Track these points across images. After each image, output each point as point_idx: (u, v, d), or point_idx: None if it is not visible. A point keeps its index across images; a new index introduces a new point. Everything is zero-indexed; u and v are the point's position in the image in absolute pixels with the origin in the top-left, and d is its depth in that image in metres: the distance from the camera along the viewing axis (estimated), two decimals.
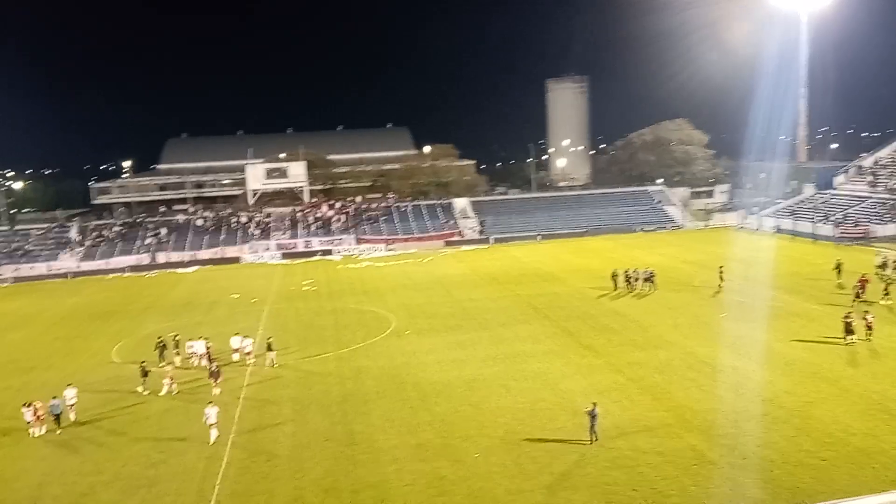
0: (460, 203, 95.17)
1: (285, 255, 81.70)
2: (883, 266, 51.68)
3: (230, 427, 29.33)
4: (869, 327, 36.85)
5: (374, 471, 24.90)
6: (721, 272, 52.20)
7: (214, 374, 34.46)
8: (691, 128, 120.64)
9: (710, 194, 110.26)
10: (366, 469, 25.07)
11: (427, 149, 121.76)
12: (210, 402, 29.41)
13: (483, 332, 42.81)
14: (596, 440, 25.73)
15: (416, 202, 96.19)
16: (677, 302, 48.13)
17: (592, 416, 25.86)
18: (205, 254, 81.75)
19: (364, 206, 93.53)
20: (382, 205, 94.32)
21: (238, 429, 29.38)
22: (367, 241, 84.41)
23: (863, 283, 46.12)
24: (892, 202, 74.22)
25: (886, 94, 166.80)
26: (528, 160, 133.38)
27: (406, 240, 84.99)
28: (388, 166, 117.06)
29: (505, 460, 25.03)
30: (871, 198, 78.42)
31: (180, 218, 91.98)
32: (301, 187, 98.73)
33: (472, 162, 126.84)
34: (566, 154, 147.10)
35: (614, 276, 53.06)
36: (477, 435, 27.34)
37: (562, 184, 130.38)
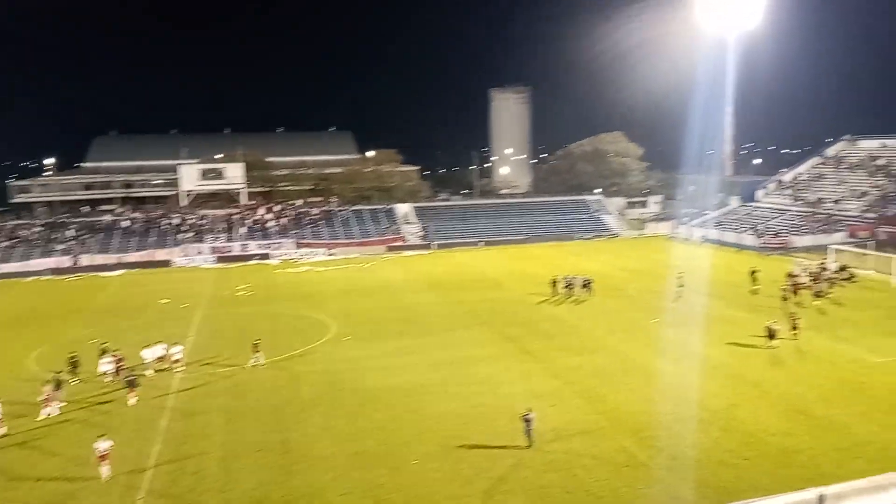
0: (403, 208, 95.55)
1: (220, 259, 79.72)
2: (796, 275, 54.13)
3: (156, 438, 28.63)
4: (795, 328, 39.27)
5: (310, 480, 24.72)
6: (679, 277, 53.60)
7: (130, 384, 33.09)
8: (627, 141, 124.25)
9: (644, 204, 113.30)
10: (300, 478, 24.86)
11: (370, 153, 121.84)
12: (102, 436, 25.74)
13: (425, 338, 43.29)
14: (532, 444, 26.52)
15: (358, 207, 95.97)
16: (613, 308, 49.65)
17: (527, 420, 26.70)
18: (132, 257, 78.76)
19: (305, 210, 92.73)
20: (324, 209, 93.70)
21: (164, 439, 28.58)
22: (308, 246, 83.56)
23: (795, 286, 49.41)
24: (809, 215, 77.68)
25: (806, 114, 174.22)
26: (472, 167, 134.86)
27: (347, 244, 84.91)
28: (331, 170, 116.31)
29: (444, 466, 25.44)
30: (790, 210, 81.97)
31: (106, 219, 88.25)
32: (238, 189, 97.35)
33: (416, 168, 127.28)
34: (508, 162, 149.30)
35: (554, 282, 54.34)
36: (416, 441, 27.64)
37: (504, 191, 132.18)
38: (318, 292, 59.90)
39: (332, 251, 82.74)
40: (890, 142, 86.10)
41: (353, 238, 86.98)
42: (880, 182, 78.14)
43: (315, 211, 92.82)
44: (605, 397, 31.74)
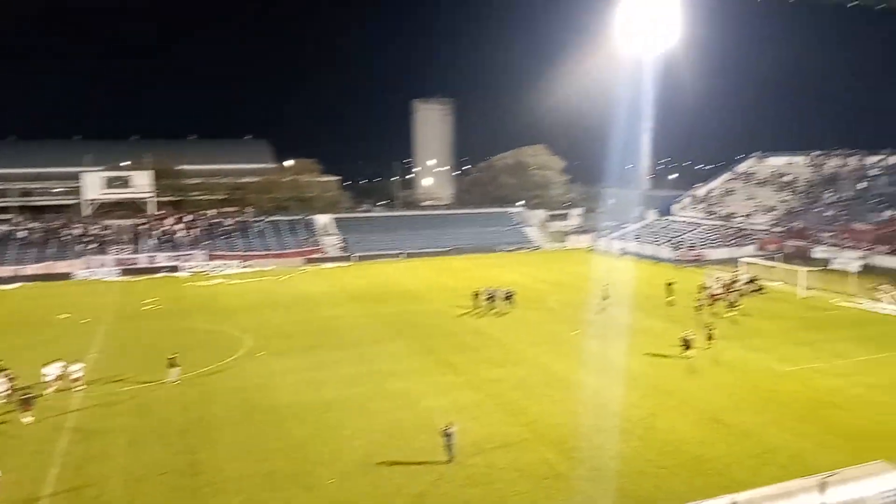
0: (322, 219, 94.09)
1: (125, 272, 75.89)
2: (709, 287, 55.48)
3: (54, 462, 26.82)
4: (710, 337, 40.20)
5: (218, 502, 23.72)
6: (604, 289, 54.14)
7: (24, 402, 31.02)
8: (549, 154, 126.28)
9: (565, 217, 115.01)
10: (209, 501, 23.73)
11: (288, 163, 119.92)
12: None
13: (343, 352, 42.33)
14: (453, 459, 26.00)
15: (275, 217, 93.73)
16: (535, 320, 49.75)
17: (448, 434, 26.17)
18: (30, 269, 74.31)
19: (218, 221, 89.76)
20: (238, 219, 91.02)
21: (63, 463, 26.79)
22: (221, 258, 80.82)
23: (713, 297, 51.28)
24: (721, 228, 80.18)
25: (719, 131, 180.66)
26: (394, 178, 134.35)
27: (263, 256, 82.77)
28: (246, 179, 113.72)
29: (361, 484, 24.71)
30: (703, 224, 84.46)
31: (2, 228, 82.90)
32: (146, 198, 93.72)
33: (336, 178, 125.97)
34: (431, 173, 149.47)
35: (475, 294, 54.16)
36: (333, 459, 26.78)
37: (426, 203, 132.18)
38: (231, 306, 57.93)
39: (247, 263, 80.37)
40: (795, 159, 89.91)
41: (270, 250, 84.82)
42: (787, 197, 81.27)
43: (229, 221, 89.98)
44: (527, 409, 31.51)
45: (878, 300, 52.83)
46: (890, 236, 60.70)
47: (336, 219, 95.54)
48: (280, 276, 73.74)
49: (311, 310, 55.64)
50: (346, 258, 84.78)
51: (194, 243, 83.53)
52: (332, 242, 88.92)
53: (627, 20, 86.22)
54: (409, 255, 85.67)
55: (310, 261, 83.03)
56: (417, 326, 48.59)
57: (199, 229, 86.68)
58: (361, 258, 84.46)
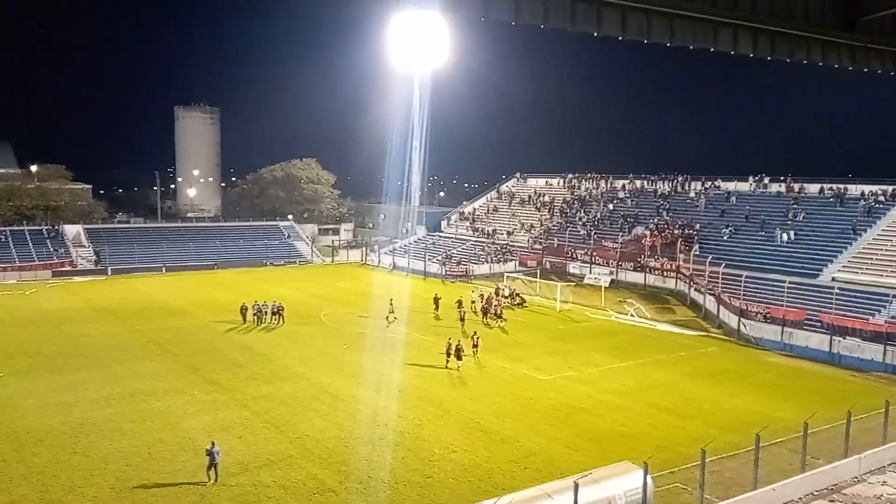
0: (73, 230, 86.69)
1: None
2: (474, 301, 58.35)
3: None
4: (475, 346, 42.82)
5: None
6: (391, 303, 54.68)
7: None
8: (320, 168, 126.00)
9: (336, 231, 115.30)
10: None
11: (34, 168, 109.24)
12: None
13: (96, 371, 39.23)
14: (216, 480, 24.98)
15: (17, 227, 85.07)
16: (304, 335, 49.25)
17: (211, 454, 25.12)
18: None
19: None
20: None
21: None
22: None
23: (483, 310, 54.37)
24: (486, 245, 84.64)
25: (487, 150, 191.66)
26: (154, 188, 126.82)
27: (3, 269, 74.57)
28: None
29: None
30: (470, 241, 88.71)
31: None
32: None
33: (89, 186, 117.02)
34: (196, 184, 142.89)
35: (243, 309, 52.58)
36: (84, 485, 24.83)
37: (190, 214, 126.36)
38: None
39: None
40: (553, 180, 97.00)
41: (11, 262, 76.57)
42: (545, 216, 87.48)
43: None
44: (295, 426, 31.07)
45: (625, 312, 58.44)
46: (634, 254, 67.44)
47: (88, 229, 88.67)
48: (23, 291, 66.67)
49: (58, 327, 50.90)
50: (101, 272, 78.66)
51: None
52: (83, 255, 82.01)
53: (399, 38, 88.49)
54: (171, 269, 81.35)
55: (58, 274, 76.16)
56: (179, 343, 46.19)
57: None
58: (117, 272, 78.86)
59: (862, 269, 53.78)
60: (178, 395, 35.06)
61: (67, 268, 78.33)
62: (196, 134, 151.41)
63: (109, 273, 78.57)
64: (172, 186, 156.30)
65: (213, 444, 25.49)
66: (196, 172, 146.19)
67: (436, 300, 57.66)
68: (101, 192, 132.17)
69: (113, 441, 28.96)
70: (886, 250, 54.89)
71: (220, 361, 41.63)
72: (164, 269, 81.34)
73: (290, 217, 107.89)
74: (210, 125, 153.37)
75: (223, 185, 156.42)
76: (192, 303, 61.29)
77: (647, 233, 70.15)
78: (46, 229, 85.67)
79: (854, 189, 65.07)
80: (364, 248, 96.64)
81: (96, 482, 25.15)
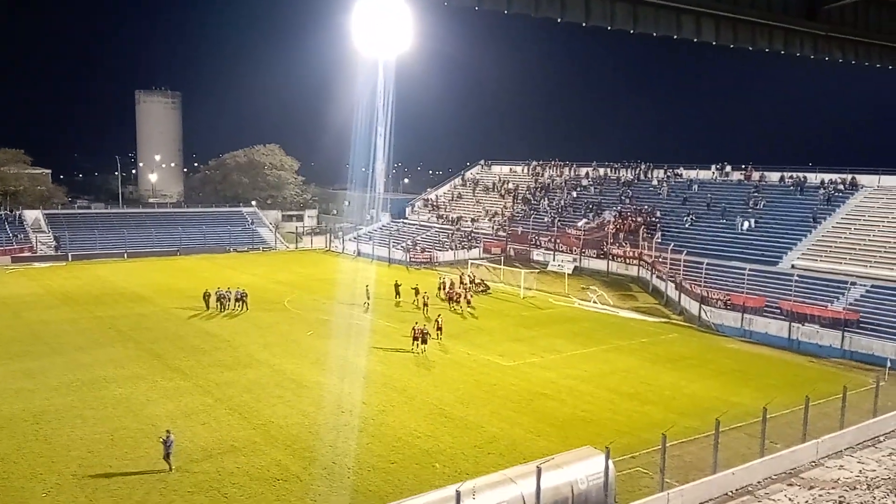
0: (32, 215, 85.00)
1: None
2: (441, 287, 58.51)
3: None
4: (439, 328, 43.50)
5: None
6: (366, 289, 54.52)
7: None
8: (284, 154, 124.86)
9: (300, 218, 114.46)
10: None
11: None
12: None
13: (56, 358, 38.62)
14: (172, 469, 24.69)
15: None
16: (268, 321, 48.92)
17: (165, 443, 24.84)
18: None
19: None
20: None
21: None
22: None
23: (450, 295, 55.00)
24: (450, 232, 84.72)
25: (451, 137, 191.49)
26: (115, 173, 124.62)
27: None
28: None
29: (77, 497, 22.84)
30: (434, 227, 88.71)
31: None
32: None
33: (48, 171, 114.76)
34: (157, 169, 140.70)
35: (206, 295, 52.06)
36: (46, 472, 24.52)
37: (152, 200, 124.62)
38: None
39: None
40: (517, 167, 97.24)
41: None
42: (509, 203, 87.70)
43: None
44: (258, 412, 30.90)
45: (588, 299, 58.97)
46: (597, 241, 67.98)
47: (48, 215, 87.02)
48: None
49: (18, 314, 49.93)
50: (62, 257, 77.33)
51: None
52: (43, 240, 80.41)
53: (363, 22, 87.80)
54: (133, 256, 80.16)
55: (17, 260, 74.63)
56: (141, 330, 45.62)
57: None
58: (78, 258, 77.58)
59: (821, 256, 54.87)
60: (140, 382, 34.66)
61: (27, 254, 76.78)
62: (158, 119, 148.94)
63: (70, 259, 77.22)
64: (134, 172, 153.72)
65: (168, 433, 25.23)
66: (158, 157, 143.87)
67: (396, 287, 57.57)
68: (62, 177, 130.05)
69: (75, 428, 28.61)
70: (845, 238, 56.04)
71: (183, 348, 41.21)
72: (125, 256, 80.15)
73: (253, 203, 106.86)
74: (172, 110, 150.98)
75: (185, 170, 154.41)
76: (155, 289, 60.48)
77: (611, 219, 70.74)
78: (5, 214, 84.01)
79: (814, 177, 66.29)
80: (328, 235, 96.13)
81: (58, 469, 24.85)
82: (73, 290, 59.63)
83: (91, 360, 38.34)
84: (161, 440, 25.10)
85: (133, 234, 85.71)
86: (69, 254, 78.33)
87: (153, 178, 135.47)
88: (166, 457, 24.77)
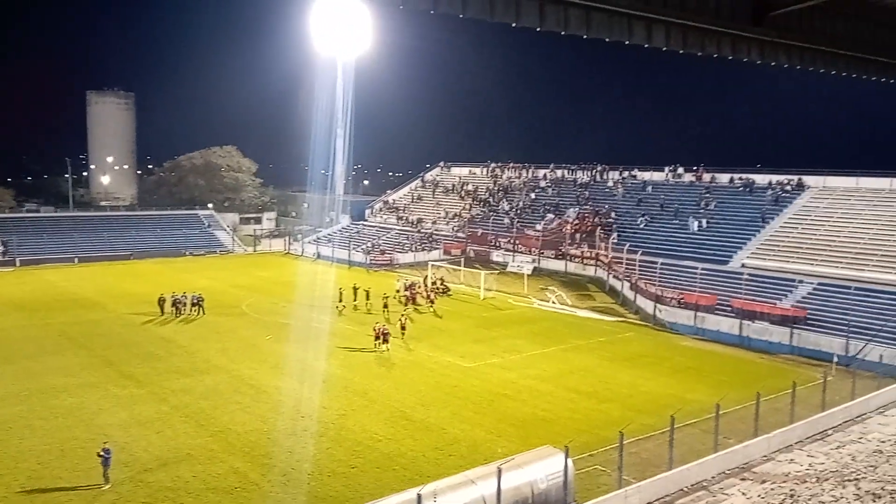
0: None
1: None
2: (401, 290, 58.43)
3: None
4: (403, 328, 44.01)
5: None
6: (341, 292, 54.98)
7: None
8: (241, 156, 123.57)
9: (258, 220, 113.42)
10: None
11: None
12: None
13: (4, 367, 37.67)
14: (107, 484, 23.85)
15: None
16: (226, 326, 48.34)
17: (103, 456, 24.06)
18: None
19: None
20: None
21: None
22: None
23: (413, 295, 56.07)
24: (411, 234, 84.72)
25: (411, 139, 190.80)
26: (66, 175, 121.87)
27: None
28: None
29: None
30: (394, 229, 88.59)
31: None
32: None
33: None
34: (110, 171, 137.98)
35: (161, 301, 51.22)
36: None
37: (104, 203, 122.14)
38: None
39: None
40: (476, 169, 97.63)
41: None
42: (468, 205, 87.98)
43: None
44: (216, 419, 30.53)
45: (546, 299, 59.43)
46: (555, 242, 68.58)
47: None
48: None
49: None
50: (8, 263, 75.35)
51: None
52: None
53: (322, 23, 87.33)
54: (84, 260, 78.48)
55: None
56: (94, 336, 44.74)
57: None
58: (26, 262, 75.71)
59: (770, 255, 56.12)
60: (92, 391, 33.97)
61: None
62: (110, 120, 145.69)
63: (18, 264, 75.29)
64: (85, 174, 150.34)
65: (104, 444, 24.54)
66: (110, 159, 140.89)
67: (354, 290, 57.30)
68: (9, 179, 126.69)
69: (24, 439, 27.94)
70: (793, 237, 57.39)
71: (137, 355, 40.49)
72: (76, 260, 78.42)
73: (210, 206, 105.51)
74: (125, 111, 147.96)
75: (139, 172, 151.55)
76: (107, 295, 59.34)
77: (569, 220, 71.34)
78: None
79: (762, 179, 67.80)
80: (287, 238, 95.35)
81: (6, 482, 24.24)
82: (22, 297, 58.20)
83: (41, 369, 37.48)
84: (98, 454, 24.28)
85: (84, 238, 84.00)
86: (17, 259, 76.37)
87: (105, 180, 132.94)
88: (104, 472, 24.01)
